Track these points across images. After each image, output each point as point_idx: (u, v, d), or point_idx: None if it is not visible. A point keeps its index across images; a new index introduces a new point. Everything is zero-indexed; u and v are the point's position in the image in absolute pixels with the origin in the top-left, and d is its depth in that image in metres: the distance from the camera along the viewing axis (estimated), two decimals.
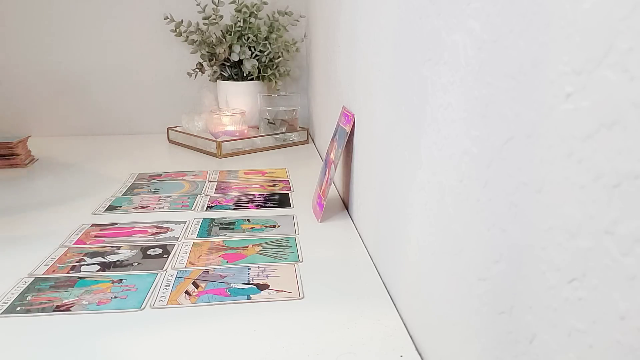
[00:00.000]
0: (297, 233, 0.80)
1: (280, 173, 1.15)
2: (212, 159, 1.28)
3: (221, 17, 1.46)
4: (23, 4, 1.47)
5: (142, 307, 0.59)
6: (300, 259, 0.71)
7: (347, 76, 0.89)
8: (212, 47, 1.45)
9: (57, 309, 0.58)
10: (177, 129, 1.44)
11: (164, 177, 1.12)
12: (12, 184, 1.09)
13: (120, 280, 0.65)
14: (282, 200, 0.96)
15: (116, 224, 0.84)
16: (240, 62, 1.45)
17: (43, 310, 0.58)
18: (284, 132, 1.41)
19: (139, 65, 1.56)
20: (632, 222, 0.23)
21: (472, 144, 0.39)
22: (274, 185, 1.05)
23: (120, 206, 0.93)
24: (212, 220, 0.86)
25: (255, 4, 1.45)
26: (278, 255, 0.72)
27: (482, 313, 0.38)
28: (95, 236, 0.79)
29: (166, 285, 0.63)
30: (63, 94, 1.55)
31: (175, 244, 0.76)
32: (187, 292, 0.62)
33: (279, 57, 1.48)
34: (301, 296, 0.61)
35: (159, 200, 0.96)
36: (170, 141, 1.46)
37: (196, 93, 1.56)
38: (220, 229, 0.82)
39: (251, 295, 0.61)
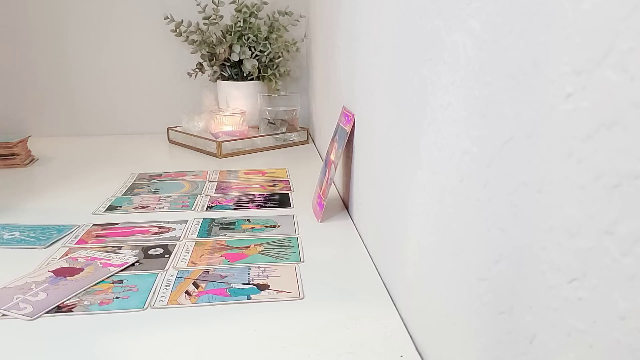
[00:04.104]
0: (297, 233, 0.80)
1: (280, 173, 1.15)
2: (212, 159, 1.28)
3: (221, 17, 1.46)
4: (23, 4, 1.47)
5: (145, 307, 0.59)
6: (302, 259, 0.71)
7: (347, 76, 0.89)
8: (212, 47, 1.45)
9: (59, 309, 0.58)
10: (177, 129, 1.44)
11: (164, 177, 1.12)
12: (12, 184, 1.09)
13: (121, 281, 0.65)
14: (282, 200, 0.96)
15: (117, 223, 0.84)
16: (240, 62, 1.45)
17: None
18: (284, 132, 1.41)
19: (139, 65, 1.56)
20: (632, 222, 0.23)
21: (472, 144, 0.39)
22: (274, 185, 1.05)
23: (120, 206, 0.93)
24: (212, 220, 0.86)
25: (255, 4, 1.45)
26: (280, 255, 0.72)
27: (482, 313, 0.38)
28: (97, 236, 0.79)
29: (166, 286, 0.63)
30: (63, 94, 1.55)
31: (176, 244, 0.76)
32: (187, 292, 0.62)
33: (279, 57, 1.48)
34: (301, 296, 0.61)
35: (159, 200, 0.96)
36: (170, 141, 1.46)
37: (196, 93, 1.57)
38: (221, 229, 0.82)
39: (251, 296, 0.61)
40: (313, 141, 1.49)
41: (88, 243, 0.76)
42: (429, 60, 0.48)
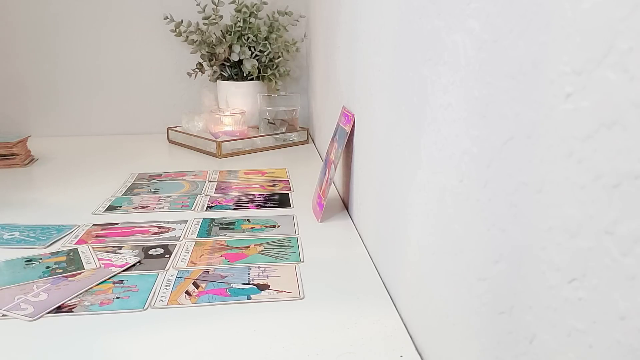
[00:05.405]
0: (297, 233, 0.80)
1: (280, 173, 1.15)
2: (212, 159, 1.28)
3: (221, 17, 1.46)
4: (23, 4, 1.47)
5: (145, 307, 0.59)
6: (302, 259, 0.71)
7: (347, 76, 0.89)
8: (212, 47, 1.45)
9: (59, 309, 0.58)
10: (177, 129, 1.44)
11: (164, 177, 1.12)
12: (12, 184, 1.09)
13: (122, 281, 0.65)
14: (282, 200, 0.96)
15: (117, 223, 0.84)
16: (240, 62, 1.45)
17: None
18: (284, 132, 1.41)
19: (139, 65, 1.56)
20: (632, 222, 0.23)
21: (472, 144, 0.39)
22: (274, 185, 1.05)
23: (120, 206, 0.93)
24: (212, 220, 0.86)
25: (255, 4, 1.45)
26: (279, 255, 0.72)
27: (482, 313, 0.38)
28: (97, 236, 0.79)
29: (166, 286, 0.63)
30: (63, 93, 1.55)
31: (177, 244, 0.76)
32: (187, 292, 0.62)
33: (279, 57, 1.48)
34: (301, 296, 0.61)
35: (159, 200, 0.96)
36: (170, 141, 1.46)
37: (196, 93, 1.57)
38: (220, 229, 0.82)
39: (251, 296, 0.61)
40: (313, 141, 1.49)
41: (88, 243, 0.76)
42: (429, 60, 0.48)
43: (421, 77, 0.50)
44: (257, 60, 1.45)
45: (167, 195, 0.99)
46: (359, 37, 0.78)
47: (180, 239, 0.78)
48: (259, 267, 0.68)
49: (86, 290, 0.62)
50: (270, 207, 0.92)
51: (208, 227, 0.82)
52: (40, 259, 0.71)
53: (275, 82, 1.49)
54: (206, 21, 1.45)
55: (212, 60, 1.46)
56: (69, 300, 0.60)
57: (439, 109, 0.45)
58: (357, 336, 0.53)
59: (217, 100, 1.49)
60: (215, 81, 1.51)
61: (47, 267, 0.68)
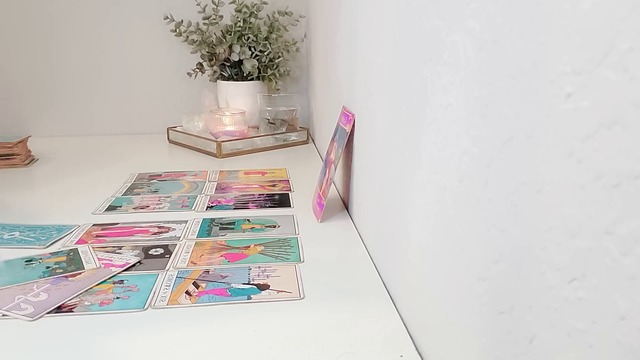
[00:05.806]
0: (297, 233, 0.80)
1: (280, 173, 1.15)
2: (212, 159, 1.28)
3: (221, 17, 1.46)
4: (23, 3, 1.47)
5: (145, 307, 0.59)
6: (302, 259, 0.71)
7: (347, 76, 0.89)
8: (212, 47, 1.45)
9: (60, 309, 0.58)
10: (177, 129, 1.44)
11: (164, 177, 1.12)
12: (12, 184, 1.09)
13: (122, 281, 0.65)
14: (282, 200, 0.96)
15: (117, 223, 0.84)
16: (240, 62, 1.45)
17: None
18: (284, 132, 1.41)
19: (138, 65, 1.56)
20: (632, 222, 0.23)
21: (472, 144, 0.39)
22: (274, 185, 1.05)
23: (120, 206, 0.93)
24: (212, 220, 0.86)
25: (255, 4, 1.45)
26: (279, 255, 0.72)
27: (482, 313, 0.38)
28: (97, 236, 0.79)
29: (167, 286, 0.63)
30: (63, 93, 1.55)
31: (177, 244, 0.76)
32: (187, 292, 0.62)
33: (279, 57, 1.48)
34: (301, 296, 0.61)
35: (159, 200, 0.96)
36: (170, 141, 1.46)
37: (196, 93, 1.56)
38: (220, 229, 0.82)
39: (251, 296, 0.61)
40: (313, 141, 1.49)
41: (88, 243, 0.76)
42: (429, 60, 0.48)
43: (421, 77, 0.50)
44: (257, 60, 1.45)
45: (167, 195, 0.99)
46: (359, 37, 0.78)
47: (181, 239, 0.78)
48: (259, 267, 0.68)
49: (86, 290, 0.62)
50: (270, 207, 0.92)
51: (208, 227, 0.82)
52: (40, 259, 0.71)
53: (275, 82, 1.49)
54: (206, 21, 1.45)
55: (212, 60, 1.46)
56: (69, 300, 0.60)
57: (439, 109, 0.45)
58: (357, 336, 0.53)
59: (217, 100, 1.49)
60: (215, 81, 1.51)
61: (47, 267, 0.68)
